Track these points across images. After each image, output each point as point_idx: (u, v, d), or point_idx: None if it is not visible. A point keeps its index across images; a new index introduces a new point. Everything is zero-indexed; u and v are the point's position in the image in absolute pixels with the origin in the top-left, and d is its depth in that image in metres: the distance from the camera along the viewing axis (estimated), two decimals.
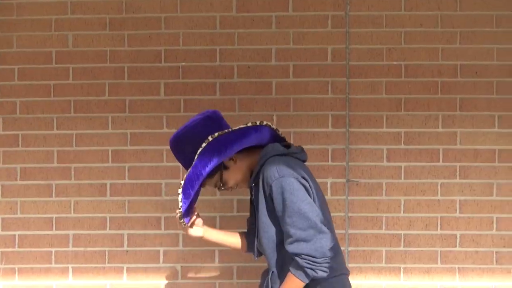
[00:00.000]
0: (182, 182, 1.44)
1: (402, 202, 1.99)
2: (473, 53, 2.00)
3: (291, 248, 1.38)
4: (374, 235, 2.00)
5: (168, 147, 1.93)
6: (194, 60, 2.01)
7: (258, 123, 1.52)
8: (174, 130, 1.97)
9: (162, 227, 2.00)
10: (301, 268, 1.38)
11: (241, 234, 1.71)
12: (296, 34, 2.02)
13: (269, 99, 2.00)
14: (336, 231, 1.89)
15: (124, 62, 2.02)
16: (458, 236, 2.00)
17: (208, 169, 1.45)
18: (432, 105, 2.00)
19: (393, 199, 1.99)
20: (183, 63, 2.01)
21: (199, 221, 1.59)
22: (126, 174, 2.00)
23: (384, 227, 1.99)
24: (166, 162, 2.00)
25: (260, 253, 1.65)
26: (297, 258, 1.37)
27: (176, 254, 2.00)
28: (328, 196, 1.99)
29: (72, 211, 2.01)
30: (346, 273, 1.52)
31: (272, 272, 1.50)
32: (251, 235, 1.67)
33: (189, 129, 1.50)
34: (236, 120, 1.92)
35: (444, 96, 2.00)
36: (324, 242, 1.36)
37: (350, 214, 2.00)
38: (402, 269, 1.99)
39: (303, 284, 1.41)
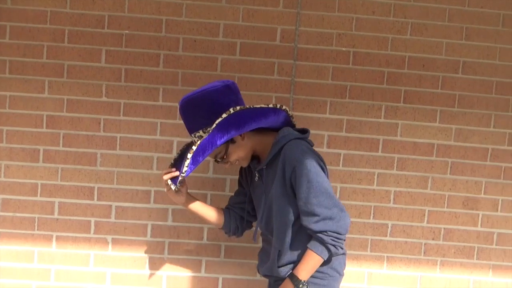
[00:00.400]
0: (194, 147, 1.44)
1: (338, 189, 2.00)
2: (422, 45, 1.98)
3: (317, 226, 1.44)
4: None
5: (106, 116, 1.94)
6: (138, 28, 1.94)
7: (278, 106, 1.56)
8: (112, 100, 1.96)
9: (95, 198, 1.97)
10: (323, 244, 1.46)
11: (220, 210, 1.73)
12: (246, 11, 1.96)
13: (214, 75, 1.95)
14: None
15: (65, 25, 1.93)
16: (389, 226, 2.03)
17: (223, 140, 1.46)
18: (377, 95, 1.99)
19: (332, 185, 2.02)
20: (127, 31, 1.93)
21: (184, 188, 1.62)
22: (61, 141, 1.95)
23: None
24: (103, 132, 1.95)
25: (242, 231, 1.74)
26: (321, 235, 1.44)
27: (107, 225, 1.97)
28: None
29: (2, 175, 1.95)
30: (345, 252, 1.63)
31: (279, 250, 1.55)
32: (232, 214, 1.72)
33: (207, 93, 1.49)
34: (179, 94, 1.89)
35: (389, 87, 1.99)
36: (347, 220, 1.47)
37: None
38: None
39: (321, 261, 1.49)
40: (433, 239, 2.05)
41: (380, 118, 2.00)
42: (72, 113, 1.94)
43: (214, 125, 1.45)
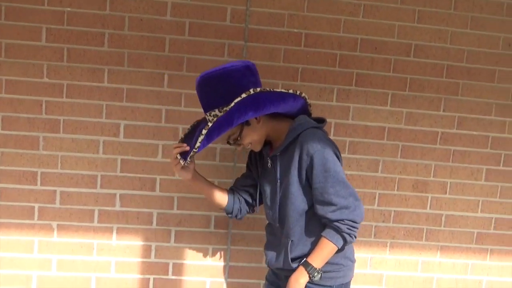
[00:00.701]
0: (210, 124, 1.42)
1: None
2: (375, 28, 1.96)
3: (334, 215, 1.44)
4: None
5: (48, 98, 1.85)
6: (81, 6, 1.84)
7: (298, 93, 1.54)
8: (54, 81, 1.87)
9: (38, 183, 1.89)
10: (339, 233, 1.46)
11: (224, 190, 1.71)
12: None
13: (161, 56, 1.88)
14: None
15: (1, 0, 1.82)
16: None
17: (240, 120, 1.44)
18: (329, 78, 1.97)
19: None
20: (69, 9, 1.83)
21: (192, 164, 1.60)
22: (0, 124, 1.85)
23: None
24: (45, 114, 1.86)
25: (244, 214, 1.72)
26: (338, 224, 1.45)
27: (52, 211, 1.89)
28: (216, 162, 1.96)
29: None
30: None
31: (292, 240, 1.54)
32: (236, 195, 1.71)
33: (227, 72, 1.46)
34: (125, 75, 1.85)
35: (341, 70, 1.97)
36: (362, 209, 1.48)
37: None
38: None
39: (335, 250, 1.49)
40: (383, 221, 2.07)
41: (332, 101, 1.99)
42: (11, 94, 1.85)
43: (233, 103, 1.42)
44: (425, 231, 2.09)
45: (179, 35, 1.90)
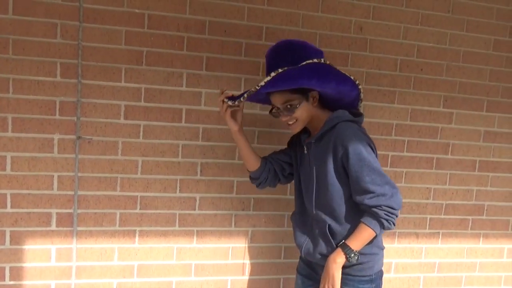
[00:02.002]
0: (281, 70, 1.45)
1: (140, 163, 1.88)
2: (223, 9, 1.89)
3: (371, 201, 1.48)
4: (107, 196, 1.86)
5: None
6: None
7: (357, 82, 1.60)
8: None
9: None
10: (377, 219, 1.50)
11: (258, 156, 1.74)
12: None
13: None
14: (64, 192, 1.78)
15: None
16: (197, 199, 1.97)
17: (304, 83, 1.48)
18: (176, 62, 1.87)
19: (130, 159, 1.86)
20: None
21: (240, 115, 1.65)
22: None
23: (118, 189, 1.87)
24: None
25: (268, 185, 1.76)
26: (376, 210, 1.49)
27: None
28: (54, 154, 1.79)
29: None
30: None
31: (329, 225, 1.58)
32: (268, 164, 1.74)
33: (307, 44, 1.55)
34: None
35: (190, 53, 1.88)
36: (399, 196, 1.52)
37: (80, 174, 1.82)
38: (137, 232, 1.91)
39: (373, 235, 1.52)
40: (243, 209, 2.01)
41: (182, 86, 1.89)
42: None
43: (305, 63, 1.47)
44: None
45: (1, 14, 1.71)
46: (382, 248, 1.68)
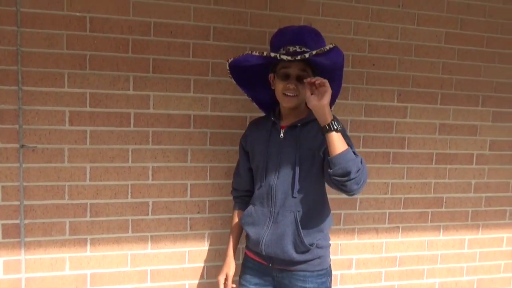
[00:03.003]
0: (332, 45, 1.51)
1: (88, 170, 1.84)
2: (168, 10, 1.86)
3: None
4: (55, 205, 1.81)
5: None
6: None
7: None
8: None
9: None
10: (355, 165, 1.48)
11: (237, 224, 1.78)
12: None
13: None
14: (9, 203, 1.73)
15: None
16: (150, 204, 1.94)
17: (342, 64, 1.64)
18: (122, 65, 1.83)
19: (77, 166, 1.82)
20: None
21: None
22: None
23: (67, 197, 1.83)
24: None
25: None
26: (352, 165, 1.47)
27: None
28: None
29: None
30: None
31: (299, 211, 1.61)
32: (245, 202, 1.78)
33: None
34: None
35: (135, 56, 1.84)
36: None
37: (25, 184, 1.77)
38: (88, 240, 1.87)
39: (350, 155, 1.44)
40: (198, 212, 2.00)
41: (129, 90, 1.85)
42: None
43: (333, 45, 1.52)
44: None
45: None
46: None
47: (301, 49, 1.60)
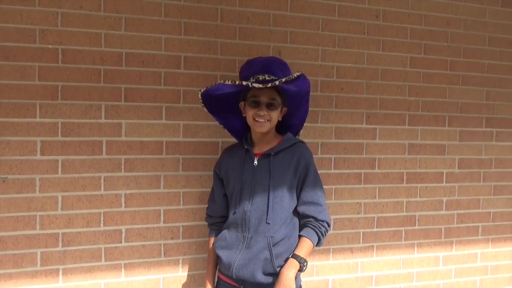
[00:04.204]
0: (299, 73, 1.62)
1: (60, 199, 1.84)
2: (139, 41, 1.92)
3: (322, 215, 1.69)
4: (26, 236, 1.80)
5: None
6: None
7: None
8: None
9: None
10: (317, 234, 1.67)
11: (212, 249, 1.80)
12: None
13: None
14: None
15: None
16: (123, 231, 1.94)
17: (308, 90, 1.75)
18: (94, 94, 1.87)
19: (49, 195, 1.82)
20: None
21: None
22: None
23: (38, 227, 1.82)
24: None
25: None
26: (320, 224, 1.67)
27: None
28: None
29: None
30: None
31: (272, 237, 1.65)
32: (219, 227, 1.83)
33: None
34: None
35: (107, 85, 1.88)
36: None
37: None
38: (61, 270, 1.85)
39: (311, 249, 1.69)
40: (172, 238, 2.00)
41: (101, 118, 1.88)
42: None
43: (300, 73, 1.64)
44: None
45: None
46: None
47: (269, 77, 1.68)
